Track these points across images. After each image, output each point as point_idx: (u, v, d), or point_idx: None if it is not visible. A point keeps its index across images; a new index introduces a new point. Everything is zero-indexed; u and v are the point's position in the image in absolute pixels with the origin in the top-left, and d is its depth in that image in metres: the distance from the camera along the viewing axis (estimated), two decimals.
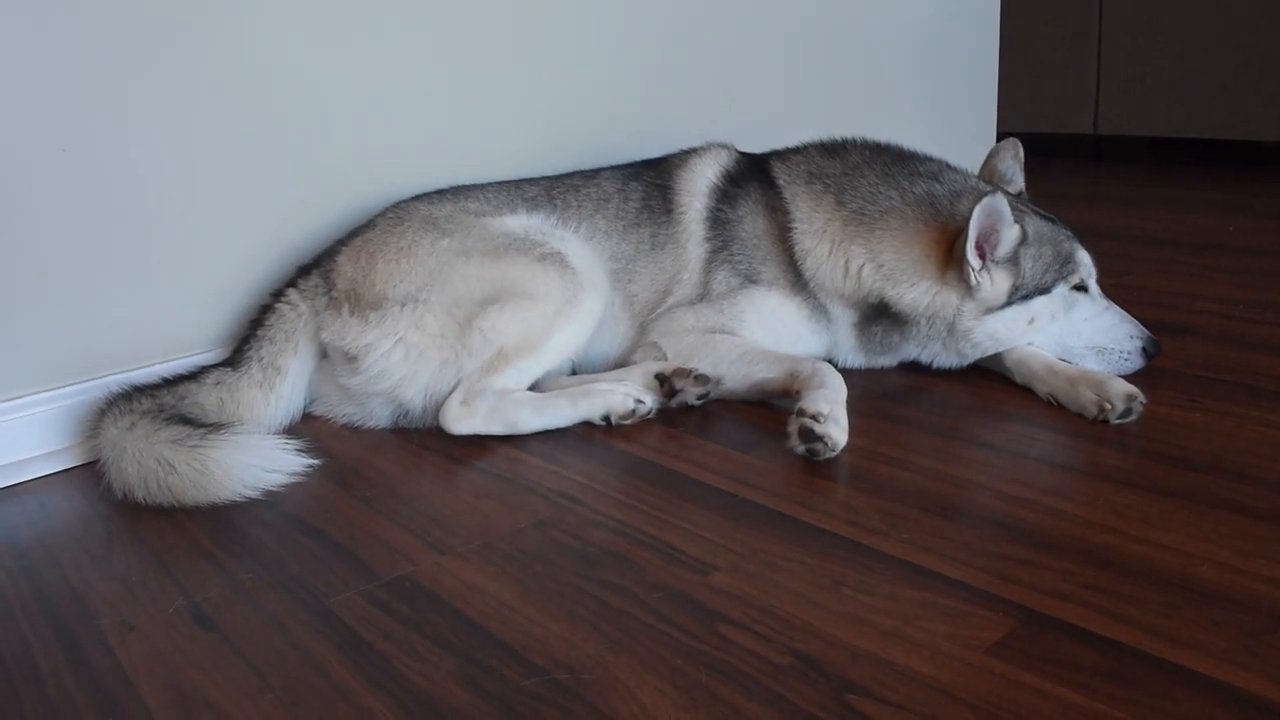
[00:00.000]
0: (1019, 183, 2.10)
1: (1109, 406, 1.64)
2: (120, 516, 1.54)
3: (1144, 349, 1.85)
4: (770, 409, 1.79)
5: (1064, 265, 1.86)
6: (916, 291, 1.87)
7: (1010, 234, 1.80)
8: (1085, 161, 5.13)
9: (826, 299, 1.94)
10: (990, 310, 1.84)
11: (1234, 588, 1.15)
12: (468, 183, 2.08)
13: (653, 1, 2.55)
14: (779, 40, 2.88)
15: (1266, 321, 2.16)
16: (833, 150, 2.05)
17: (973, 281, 1.81)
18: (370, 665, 1.10)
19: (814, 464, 1.55)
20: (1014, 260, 1.82)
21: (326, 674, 1.09)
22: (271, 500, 1.55)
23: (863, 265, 1.89)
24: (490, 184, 2.07)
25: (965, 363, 1.91)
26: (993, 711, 0.96)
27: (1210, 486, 1.40)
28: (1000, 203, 1.76)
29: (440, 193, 2.01)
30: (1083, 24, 4.99)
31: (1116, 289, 2.47)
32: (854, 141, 2.08)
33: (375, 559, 1.34)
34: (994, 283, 1.82)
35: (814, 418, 1.56)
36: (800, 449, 1.56)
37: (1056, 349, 1.86)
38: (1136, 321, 1.88)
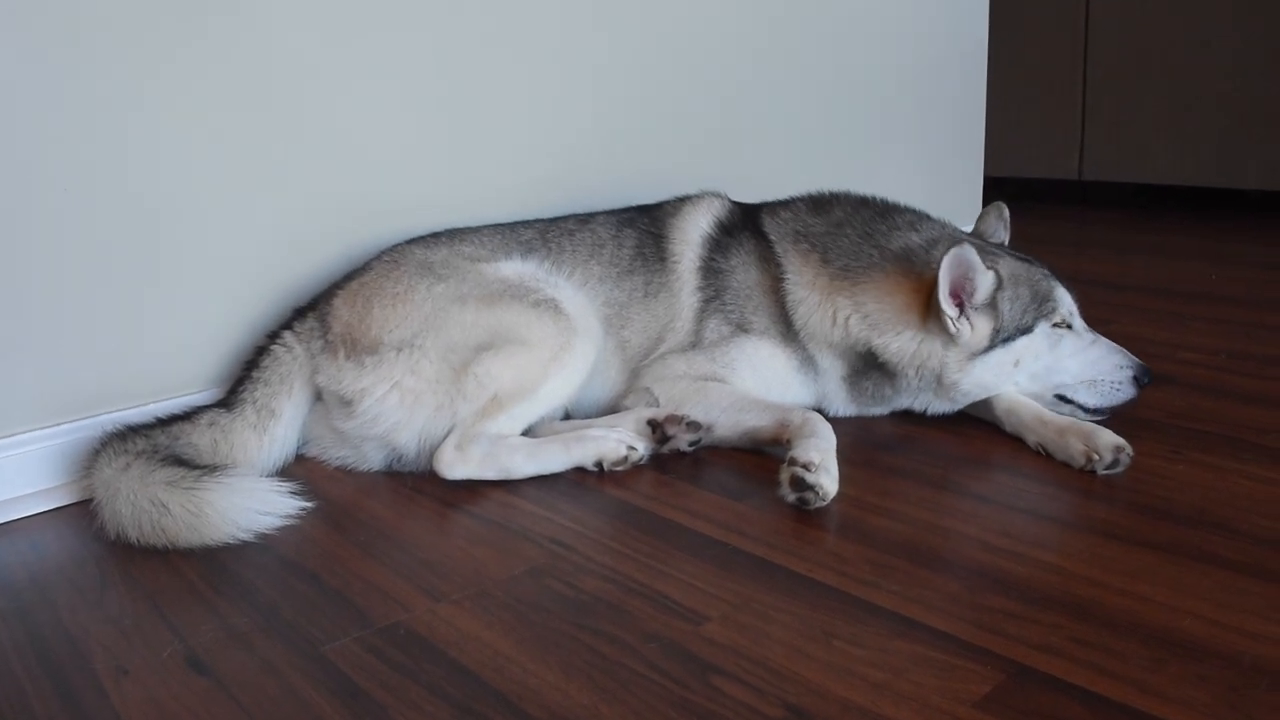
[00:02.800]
0: (1002, 238, 2.15)
1: (1096, 458, 1.67)
2: (113, 557, 1.55)
3: (1135, 377, 1.87)
4: (762, 456, 1.81)
5: (1043, 304, 1.88)
6: (901, 340, 1.90)
7: (984, 280, 1.82)
8: (1071, 206, 5.19)
9: (816, 349, 1.96)
10: (975, 355, 1.86)
11: (1218, 642, 1.16)
12: (463, 225, 2.11)
13: (649, 51, 2.58)
14: (773, 88, 2.92)
15: (1248, 373, 2.19)
16: (819, 206, 2.09)
17: (952, 330, 1.84)
18: (366, 714, 1.11)
19: (804, 513, 1.57)
20: (992, 305, 1.85)
21: None
22: (265, 543, 1.55)
23: (849, 315, 1.92)
24: (485, 227, 2.09)
25: (957, 408, 1.94)
26: None
27: (1194, 540, 1.42)
28: (967, 251, 1.79)
29: (435, 236, 2.03)
30: (1069, 71, 5.07)
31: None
32: (840, 196, 2.12)
33: (370, 605, 1.35)
34: (975, 329, 1.85)
35: (805, 466, 1.58)
36: (791, 498, 1.58)
37: (1048, 386, 1.88)
38: (1126, 351, 1.90)
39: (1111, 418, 1.86)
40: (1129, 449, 1.68)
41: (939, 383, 1.89)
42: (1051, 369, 1.88)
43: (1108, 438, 1.69)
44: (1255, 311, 2.77)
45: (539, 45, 2.35)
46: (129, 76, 1.76)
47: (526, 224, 2.11)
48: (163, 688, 1.19)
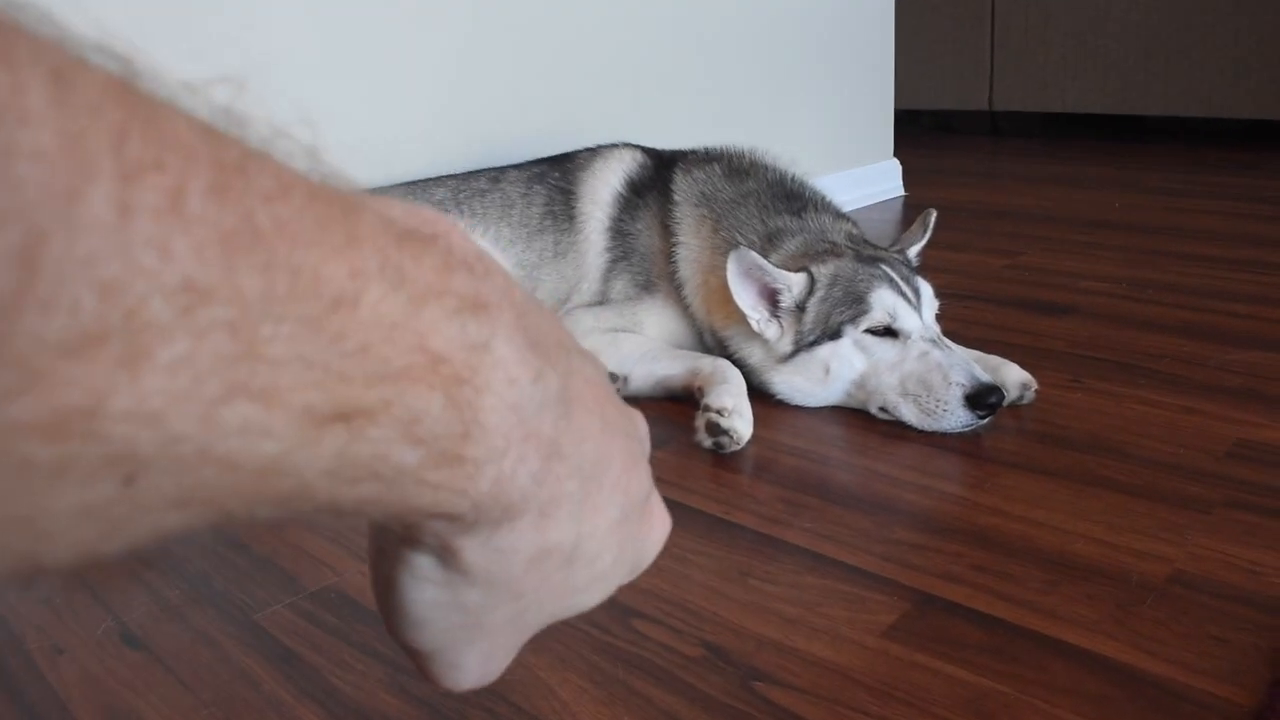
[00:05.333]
0: (916, 244, 2.00)
1: (1005, 394, 1.71)
2: None
3: (968, 396, 1.61)
4: (678, 403, 1.86)
5: (853, 307, 1.73)
6: (731, 332, 1.87)
7: (786, 281, 1.76)
8: (983, 137, 5.29)
9: (701, 325, 1.96)
10: (784, 359, 1.79)
11: (1107, 562, 1.24)
12: (373, 185, 2.11)
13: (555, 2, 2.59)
14: (680, 29, 2.93)
15: (1147, 299, 2.28)
16: (736, 172, 2.05)
17: (757, 330, 1.79)
18: (301, 677, 1.14)
19: (721, 457, 1.62)
20: (803, 307, 1.78)
21: (258, 688, 1.13)
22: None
23: (708, 298, 1.92)
24: (397, 186, 2.09)
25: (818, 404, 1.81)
26: (888, 691, 1.04)
27: (1088, 465, 1.50)
28: (745, 255, 1.73)
29: None
30: (977, 2, 5.14)
31: (1009, 269, 2.59)
32: (761, 167, 2.07)
33: (300, 570, 1.38)
34: (783, 331, 1.79)
35: (719, 412, 1.63)
36: (707, 443, 1.63)
37: (872, 396, 1.73)
38: (974, 367, 1.65)
39: (1017, 354, 1.92)
40: (1034, 384, 1.74)
41: (760, 381, 1.83)
42: (868, 379, 1.73)
43: (1014, 373, 1.75)
44: (1157, 239, 2.87)
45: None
46: None
47: (438, 182, 2.11)
48: (99, 664, 1.21)
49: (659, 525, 0.48)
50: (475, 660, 0.42)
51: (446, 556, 0.37)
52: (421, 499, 0.33)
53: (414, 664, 0.43)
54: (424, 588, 0.39)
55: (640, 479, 0.44)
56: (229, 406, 0.26)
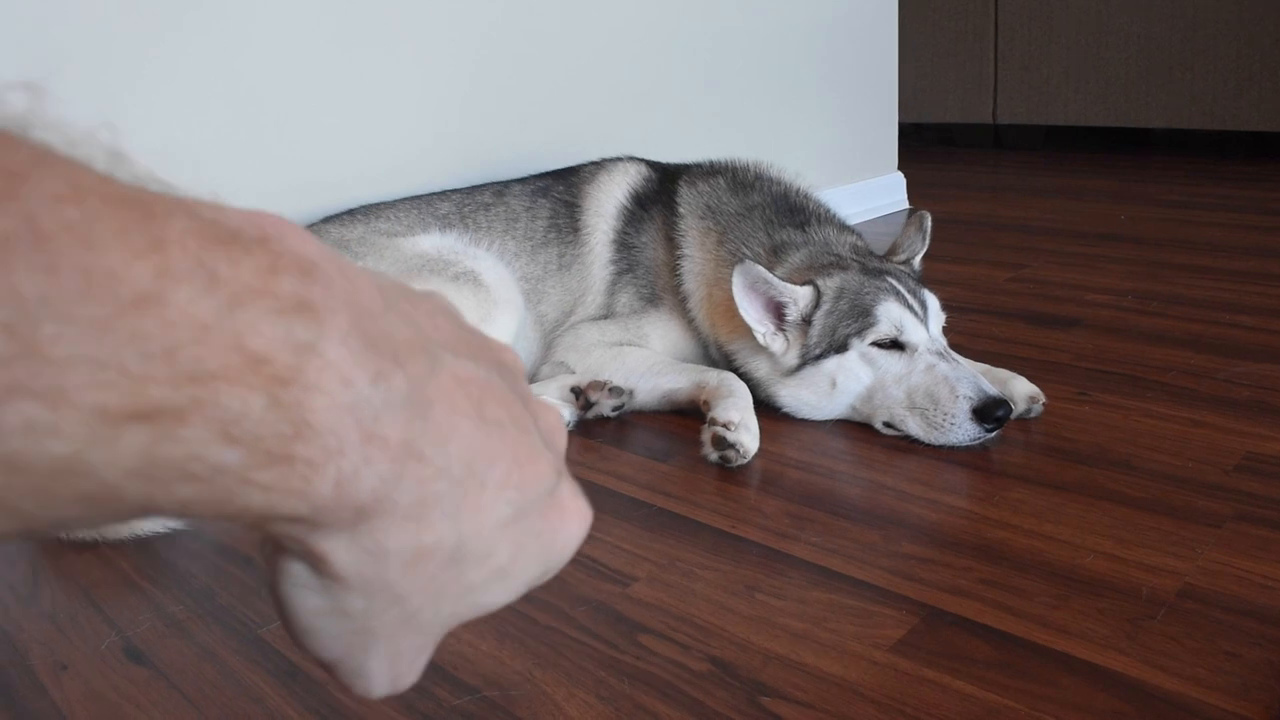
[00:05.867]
0: (917, 249, 1.98)
1: (1013, 407, 1.71)
2: (44, 553, 1.55)
3: (975, 410, 1.60)
4: (685, 417, 1.85)
5: (859, 320, 1.72)
6: (739, 344, 1.86)
7: (792, 294, 1.75)
8: (986, 150, 5.29)
9: (707, 339, 1.95)
10: (790, 373, 1.78)
11: (1117, 577, 1.23)
12: (379, 200, 2.11)
13: (562, 12, 2.59)
14: (685, 44, 2.94)
15: (1152, 312, 2.28)
16: (741, 185, 2.04)
17: (762, 343, 1.78)
18: (305, 692, 1.14)
19: (727, 470, 1.62)
20: (809, 320, 1.77)
21: (262, 703, 1.13)
22: (197, 530, 1.57)
23: (713, 311, 1.92)
24: (401, 200, 2.09)
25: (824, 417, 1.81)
26: (897, 707, 1.03)
27: (1097, 479, 1.49)
28: (750, 268, 1.72)
29: (351, 213, 2.03)
30: (981, 16, 5.15)
31: (1014, 282, 2.59)
32: (766, 179, 2.06)
33: None
34: (789, 344, 1.78)
35: (725, 425, 1.62)
36: (714, 456, 1.62)
37: (878, 409, 1.72)
38: (981, 381, 1.65)
39: (1024, 366, 1.91)
40: (1043, 398, 1.74)
41: (766, 395, 1.82)
42: (874, 392, 1.72)
43: (1022, 386, 1.74)
44: (1161, 251, 2.86)
45: (451, 11, 2.35)
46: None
47: (443, 196, 2.12)
48: (103, 680, 1.20)
49: (574, 519, 0.47)
50: (379, 666, 0.42)
51: (316, 562, 0.37)
52: (251, 500, 0.33)
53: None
54: (305, 595, 0.39)
55: (538, 474, 0.43)
56: (8, 406, 0.27)
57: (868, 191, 3.66)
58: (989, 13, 5.12)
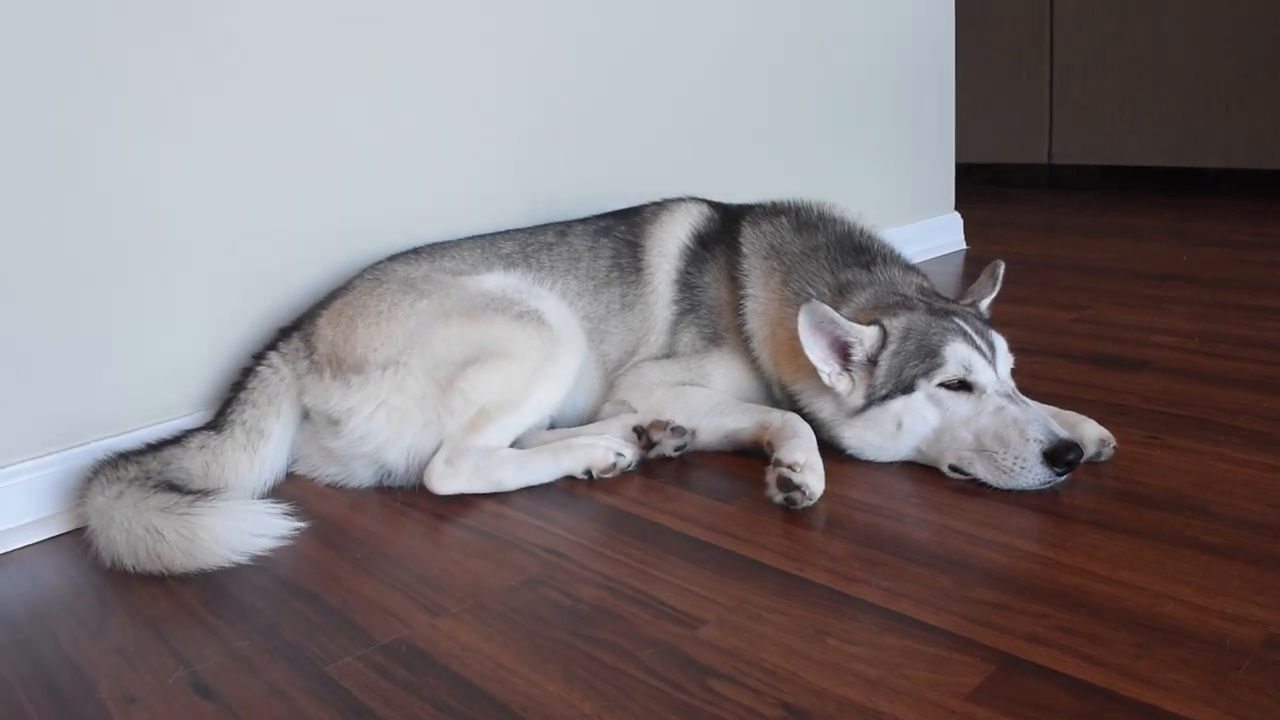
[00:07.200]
0: (986, 294, 1.97)
1: (1083, 450, 1.67)
2: (112, 585, 1.56)
3: (1046, 453, 1.57)
4: (747, 457, 1.84)
5: (926, 361, 1.70)
6: (800, 385, 1.84)
7: (859, 334, 1.74)
8: (1041, 190, 5.25)
9: (770, 378, 1.94)
10: (855, 413, 1.76)
11: (1200, 626, 1.20)
12: (444, 239, 2.12)
13: (624, 57, 2.61)
14: (745, 86, 2.95)
15: (1221, 354, 2.23)
16: (805, 225, 2.04)
17: (828, 383, 1.76)
18: None
19: (792, 512, 1.60)
20: (875, 360, 1.75)
21: None
22: (261, 564, 1.57)
23: (776, 351, 1.91)
24: (466, 240, 2.11)
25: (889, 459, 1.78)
26: None
27: (1173, 524, 1.46)
28: (818, 308, 1.72)
29: (416, 252, 2.05)
30: (1035, 57, 5.13)
31: (1077, 324, 2.55)
32: (830, 220, 2.06)
33: (370, 622, 1.37)
34: (855, 384, 1.76)
35: (791, 467, 1.60)
36: (779, 498, 1.61)
37: (945, 452, 1.69)
38: (1051, 423, 1.62)
39: (1091, 409, 1.88)
40: (1113, 440, 1.70)
41: (831, 436, 1.79)
42: (941, 434, 1.70)
43: (1092, 429, 1.71)
44: (1226, 292, 2.82)
45: (517, 58, 2.37)
46: (106, 99, 1.77)
47: (507, 235, 2.13)
48: (170, 714, 1.20)
49: None
50: None
51: None
52: None
53: None
54: None
55: None
56: None
57: (925, 232, 3.63)
58: (1043, 54, 5.10)
